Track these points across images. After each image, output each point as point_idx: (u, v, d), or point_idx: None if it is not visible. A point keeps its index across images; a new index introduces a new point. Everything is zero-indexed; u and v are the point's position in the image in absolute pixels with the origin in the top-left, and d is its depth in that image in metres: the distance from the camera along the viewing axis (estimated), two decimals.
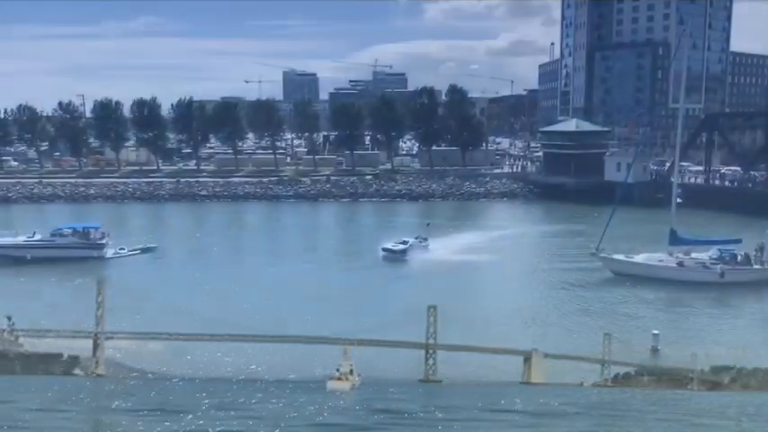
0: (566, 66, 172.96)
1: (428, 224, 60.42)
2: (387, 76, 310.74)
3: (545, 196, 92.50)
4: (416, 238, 58.14)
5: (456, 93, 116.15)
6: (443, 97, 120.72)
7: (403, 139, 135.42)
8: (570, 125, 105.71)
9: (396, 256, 56.10)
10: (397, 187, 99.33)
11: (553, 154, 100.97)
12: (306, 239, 69.07)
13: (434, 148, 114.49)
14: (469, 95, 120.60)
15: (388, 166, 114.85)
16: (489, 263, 53.71)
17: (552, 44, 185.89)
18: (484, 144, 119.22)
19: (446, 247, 58.15)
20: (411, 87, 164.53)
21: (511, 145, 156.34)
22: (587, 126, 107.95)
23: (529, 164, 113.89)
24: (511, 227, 71.06)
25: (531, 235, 69.36)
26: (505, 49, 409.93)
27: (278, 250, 63.08)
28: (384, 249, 57.06)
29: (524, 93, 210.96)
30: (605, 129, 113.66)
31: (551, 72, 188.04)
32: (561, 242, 64.55)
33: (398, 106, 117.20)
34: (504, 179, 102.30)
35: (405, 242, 57.31)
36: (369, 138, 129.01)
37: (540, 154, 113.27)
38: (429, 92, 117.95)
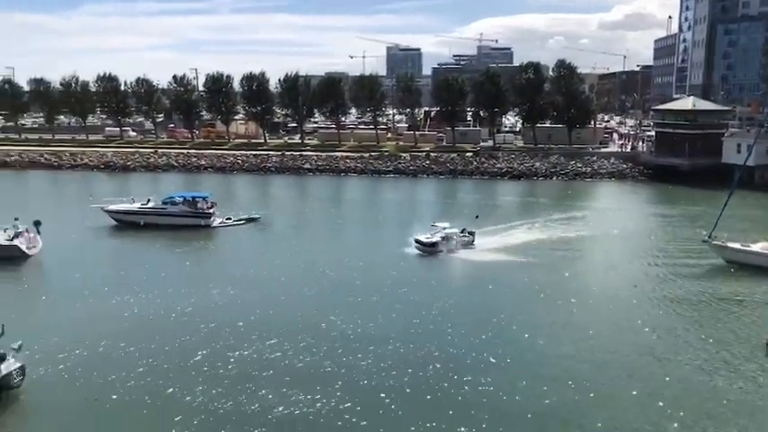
0: (684, 40, 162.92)
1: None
2: (492, 51, 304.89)
3: (656, 178, 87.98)
4: (462, 232, 50.36)
5: (564, 68, 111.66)
6: (550, 73, 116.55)
7: (506, 116, 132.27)
8: (686, 103, 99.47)
9: (426, 250, 48.73)
10: (499, 165, 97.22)
11: (667, 134, 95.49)
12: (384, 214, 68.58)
13: (539, 125, 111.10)
14: (578, 71, 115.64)
15: (490, 143, 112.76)
16: (546, 262, 46.92)
17: (670, 17, 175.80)
18: (592, 122, 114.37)
19: (500, 242, 51.24)
20: (516, 62, 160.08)
21: (621, 123, 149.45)
22: (705, 105, 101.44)
23: (640, 143, 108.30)
24: (617, 209, 67.94)
25: (637, 218, 65.83)
26: (619, 23, 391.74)
27: (372, 223, 63.52)
28: (416, 241, 49.37)
29: (637, 69, 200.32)
30: (726, 108, 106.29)
31: (668, 47, 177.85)
32: (673, 227, 60.95)
33: (503, 81, 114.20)
34: (612, 159, 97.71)
35: (443, 232, 49.27)
36: (471, 114, 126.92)
37: (653, 133, 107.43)
38: (535, 67, 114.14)
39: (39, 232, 49.80)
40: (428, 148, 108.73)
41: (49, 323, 34.13)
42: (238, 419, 24.86)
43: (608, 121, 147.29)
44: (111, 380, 28.08)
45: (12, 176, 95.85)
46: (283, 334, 32.81)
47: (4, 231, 49.26)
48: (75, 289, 40.99)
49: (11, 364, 26.54)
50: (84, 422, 24.97)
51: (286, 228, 62.15)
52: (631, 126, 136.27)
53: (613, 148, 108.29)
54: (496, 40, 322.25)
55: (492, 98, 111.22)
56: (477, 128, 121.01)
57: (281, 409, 25.55)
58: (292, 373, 28.57)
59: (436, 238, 48.71)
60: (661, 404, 25.88)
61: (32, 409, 26.27)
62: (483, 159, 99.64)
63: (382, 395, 26.56)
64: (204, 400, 26.26)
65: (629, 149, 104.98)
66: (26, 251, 48.10)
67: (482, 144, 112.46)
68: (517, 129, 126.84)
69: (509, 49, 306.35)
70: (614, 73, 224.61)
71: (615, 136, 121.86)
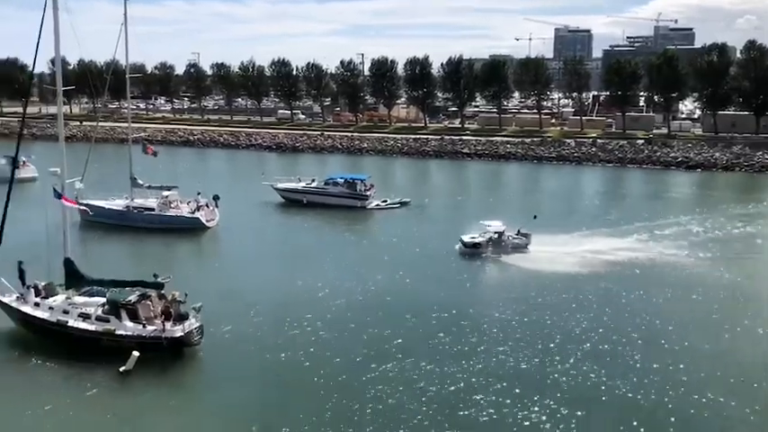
0: None
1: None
2: (670, 32, 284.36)
3: None
4: (517, 233, 45.59)
5: (754, 49, 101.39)
6: (738, 55, 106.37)
7: (683, 102, 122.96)
8: None
9: (467, 251, 44.83)
10: (673, 154, 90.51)
11: None
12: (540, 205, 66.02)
13: (721, 112, 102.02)
14: None
15: (664, 130, 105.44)
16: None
17: None
18: None
19: (572, 248, 44.93)
20: (698, 44, 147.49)
21: None
22: None
23: None
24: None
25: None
26: None
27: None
28: (461, 241, 45.47)
29: None
30: None
31: None
32: None
33: (682, 64, 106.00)
34: None
35: (490, 233, 45.16)
36: (644, 99, 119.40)
37: None
38: (720, 49, 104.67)
39: (217, 206, 54.02)
40: (595, 135, 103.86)
41: (224, 289, 36.89)
42: (416, 391, 25.33)
43: None
44: (280, 343, 29.98)
45: (194, 153, 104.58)
46: (429, 311, 33.06)
47: (188, 204, 54.03)
48: (248, 259, 44.14)
49: (192, 324, 29.05)
50: (255, 380, 26.73)
51: (438, 212, 61.93)
52: None
53: None
54: (675, 20, 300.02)
55: (668, 82, 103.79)
56: (651, 114, 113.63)
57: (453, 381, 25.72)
58: (448, 349, 28.71)
59: (479, 239, 44.91)
60: None
61: (209, 365, 28.60)
62: (655, 148, 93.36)
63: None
64: (369, 369, 27.11)
65: None
66: (206, 223, 52.42)
67: (655, 131, 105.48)
68: (695, 116, 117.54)
69: (690, 29, 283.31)
70: None
71: None
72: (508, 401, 24.85)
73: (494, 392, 25.52)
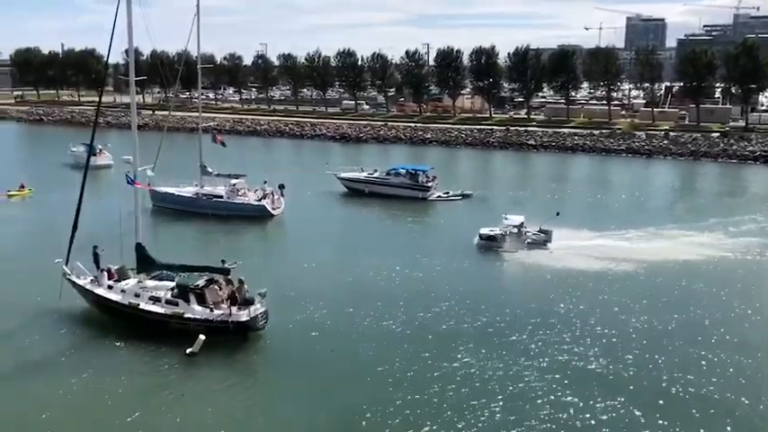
0: None
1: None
2: (751, 20, 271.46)
3: None
4: (539, 230, 44.31)
5: None
6: None
7: (764, 93, 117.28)
8: None
9: (483, 244, 44.00)
10: (750, 148, 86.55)
11: None
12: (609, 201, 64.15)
13: None
14: None
15: (741, 123, 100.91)
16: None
17: None
18: None
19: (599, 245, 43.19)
20: None
21: None
22: None
23: None
24: None
25: None
26: None
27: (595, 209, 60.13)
28: (480, 235, 44.72)
29: None
30: None
31: None
32: None
33: (763, 54, 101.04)
34: None
35: (508, 227, 44.29)
36: (720, 90, 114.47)
37: None
38: None
39: (282, 194, 54.89)
40: (667, 127, 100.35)
41: (289, 275, 37.47)
42: (481, 388, 25.21)
43: None
44: (342, 330, 30.30)
45: (261, 143, 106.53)
46: (488, 305, 32.73)
47: (254, 192, 55.13)
48: (312, 247, 44.67)
49: (257, 308, 29.62)
50: (317, 366, 27.00)
51: (499, 205, 60.33)
52: None
53: None
54: (757, 8, 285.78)
55: (748, 73, 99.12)
56: (728, 106, 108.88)
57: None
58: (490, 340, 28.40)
59: (496, 232, 44.02)
60: None
61: (274, 350, 29.07)
62: (731, 141, 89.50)
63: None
64: (435, 363, 27.03)
65: None
66: (271, 211, 53.35)
67: (731, 124, 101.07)
68: None
69: None
70: None
71: None
72: (577, 400, 24.37)
73: (564, 391, 25.08)
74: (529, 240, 43.80)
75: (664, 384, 25.47)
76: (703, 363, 27.29)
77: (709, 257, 41.77)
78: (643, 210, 57.01)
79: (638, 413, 23.35)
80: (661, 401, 24.25)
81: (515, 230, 44.11)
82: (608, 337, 29.78)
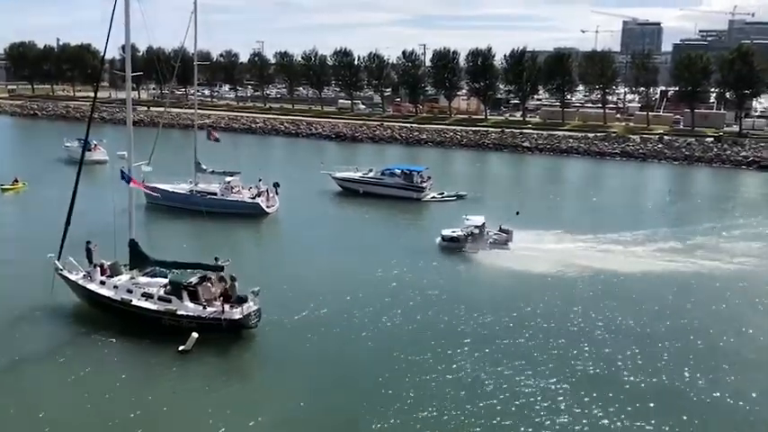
0: None
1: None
2: (746, 26, 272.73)
3: None
4: (499, 230, 44.52)
5: None
6: None
7: (758, 99, 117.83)
8: None
9: (446, 245, 44.10)
10: (744, 153, 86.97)
11: None
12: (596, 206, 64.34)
13: None
14: None
15: (735, 128, 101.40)
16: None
17: None
18: None
19: (557, 245, 43.72)
20: None
21: None
22: None
23: None
24: None
25: None
26: None
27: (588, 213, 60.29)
28: (442, 236, 44.85)
29: None
30: None
31: None
32: None
33: (758, 60, 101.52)
34: None
35: (469, 227, 44.19)
36: (714, 95, 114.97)
37: None
38: None
39: (277, 193, 54.85)
40: (662, 131, 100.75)
41: (282, 274, 37.48)
42: (470, 383, 25.31)
43: None
44: (336, 332, 30.29)
45: (256, 141, 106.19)
46: (486, 307, 32.84)
47: (249, 190, 55.07)
48: (306, 246, 44.72)
49: (250, 306, 29.65)
50: (309, 364, 27.08)
51: (493, 207, 60.25)
52: None
53: None
54: (752, 14, 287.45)
55: (742, 78, 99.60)
56: (722, 111, 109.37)
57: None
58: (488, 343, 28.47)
59: (458, 233, 44.19)
60: None
61: (266, 348, 29.11)
62: (725, 146, 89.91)
63: None
64: (425, 362, 27.09)
65: None
66: (266, 209, 53.32)
67: (725, 129, 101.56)
68: None
69: None
70: None
71: None
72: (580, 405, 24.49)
73: (564, 394, 25.23)
74: (491, 240, 43.91)
75: (627, 381, 25.65)
76: (666, 359, 27.50)
77: (669, 262, 41.68)
78: (629, 213, 56.82)
79: (598, 412, 23.53)
80: (622, 396, 24.58)
81: (477, 231, 44.09)
82: (566, 335, 29.94)
